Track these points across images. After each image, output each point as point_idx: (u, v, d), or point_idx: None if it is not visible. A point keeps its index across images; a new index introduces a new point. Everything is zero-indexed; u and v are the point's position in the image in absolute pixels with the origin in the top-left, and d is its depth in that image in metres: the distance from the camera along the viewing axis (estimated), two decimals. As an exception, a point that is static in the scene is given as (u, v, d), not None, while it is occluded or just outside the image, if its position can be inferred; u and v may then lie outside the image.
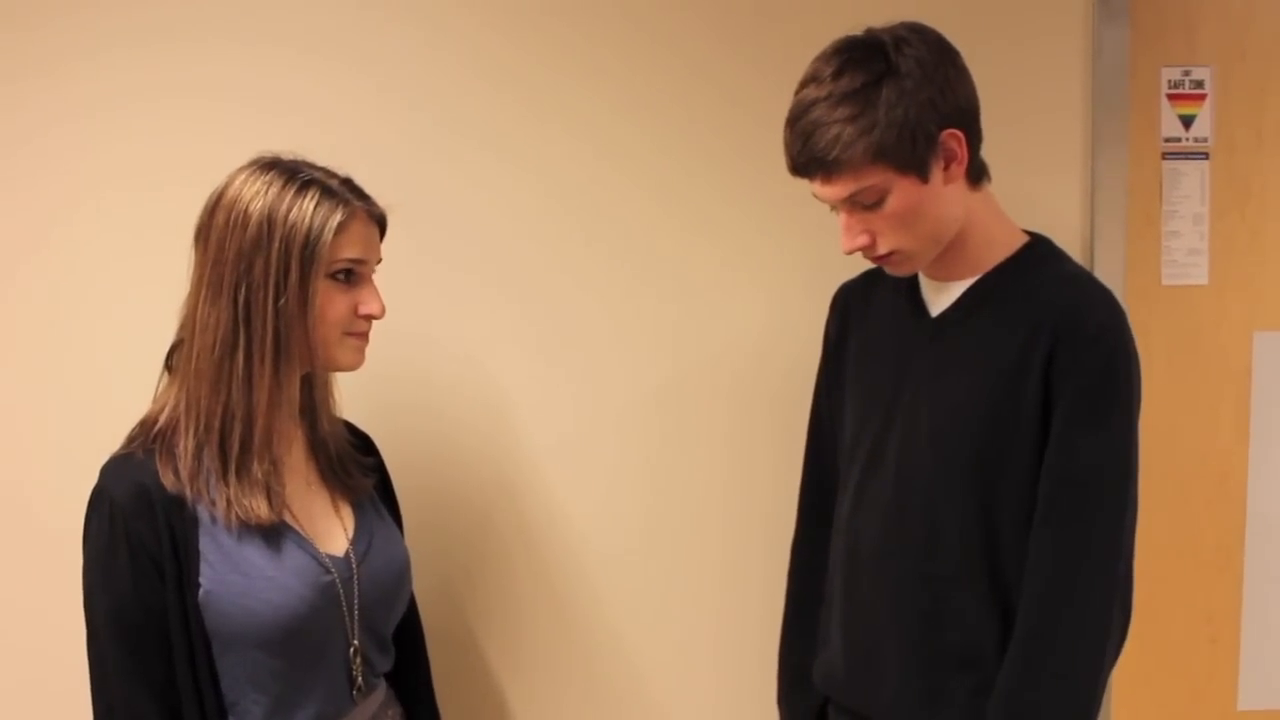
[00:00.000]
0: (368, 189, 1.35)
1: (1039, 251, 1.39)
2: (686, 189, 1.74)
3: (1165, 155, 1.84)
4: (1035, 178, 1.72)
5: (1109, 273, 1.74)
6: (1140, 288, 1.82)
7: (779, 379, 1.74)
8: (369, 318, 1.33)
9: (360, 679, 1.36)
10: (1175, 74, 1.83)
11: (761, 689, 1.68)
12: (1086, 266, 1.73)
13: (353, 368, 1.35)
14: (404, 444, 1.69)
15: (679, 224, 1.75)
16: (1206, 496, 1.88)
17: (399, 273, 1.48)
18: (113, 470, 1.26)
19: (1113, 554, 1.29)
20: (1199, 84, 1.83)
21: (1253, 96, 1.83)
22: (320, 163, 1.33)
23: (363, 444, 1.50)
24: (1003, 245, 1.38)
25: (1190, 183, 1.84)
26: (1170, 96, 1.83)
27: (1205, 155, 1.84)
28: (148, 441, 1.27)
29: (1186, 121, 1.83)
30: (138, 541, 1.22)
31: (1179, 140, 1.84)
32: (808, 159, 1.27)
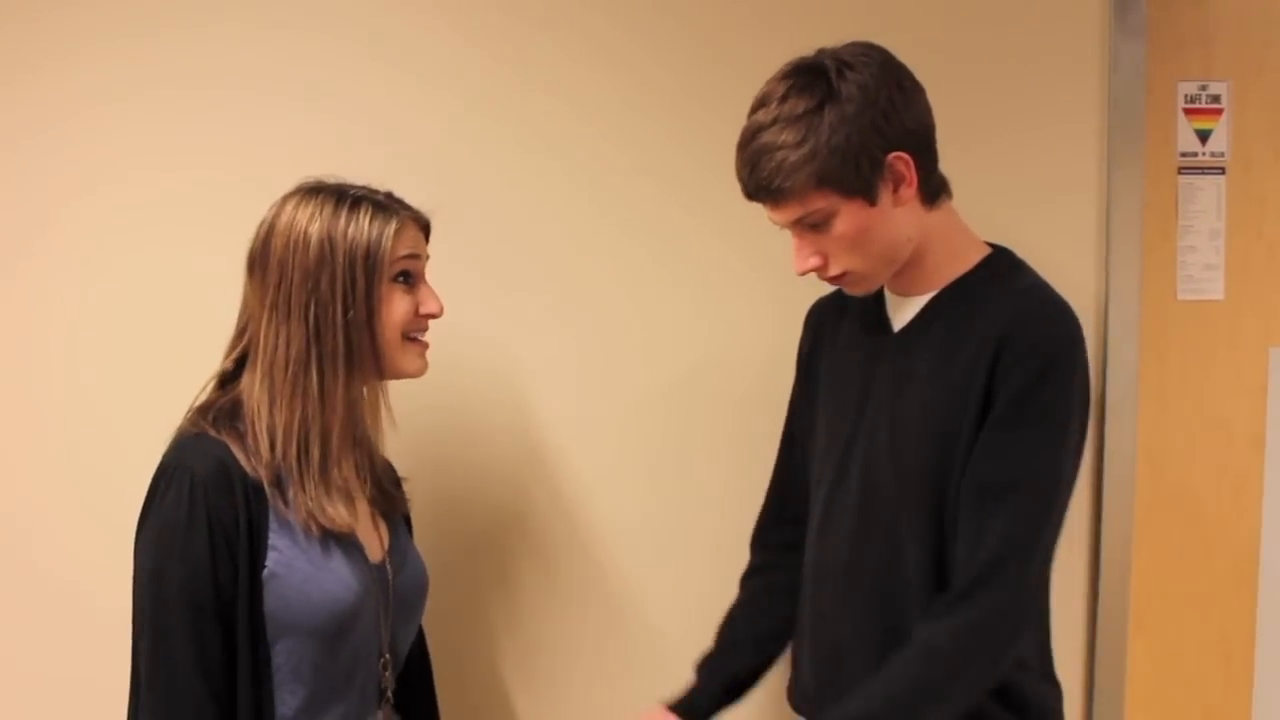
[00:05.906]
0: (387, 182, 1.37)
1: (997, 265, 1.37)
2: (711, 191, 1.72)
3: (1181, 170, 1.83)
4: (1051, 192, 1.71)
5: (1125, 288, 1.74)
6: (1156, 303, 1.82)
7: (791, 380, 1.74)
8: (429, 316, 1.37)
9: (388, 690, 1.38)
10: (1192, 88, 1.83)
11: (771, 684, 1.68)
12: (1102, 281, 1.73)
13: (417, 373, 1.38)
14: (417, 441, 1.69)
15: (701, 224, 1.75)
16: (1221, 513, 1.87)
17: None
18: (190, 445, 1.27)
19: (1022, 562, 1.26)
20: (1215, 99, 1.83)
21: (1269, 111, 1.83)
22: (359, 180, 1.36)
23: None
24: (963, 259, 1.36)
25: (1206, 198, 1.83)
26: (1187, 111, 1.83)
27: (1222, 170, 1.83)
28: (214, 424, 1.28)
29: (1203, 136, 1.83)
30: (216, 517, 1.23)
31: (1195, 155, 1.83)
32: (755, 186, 1.28)
